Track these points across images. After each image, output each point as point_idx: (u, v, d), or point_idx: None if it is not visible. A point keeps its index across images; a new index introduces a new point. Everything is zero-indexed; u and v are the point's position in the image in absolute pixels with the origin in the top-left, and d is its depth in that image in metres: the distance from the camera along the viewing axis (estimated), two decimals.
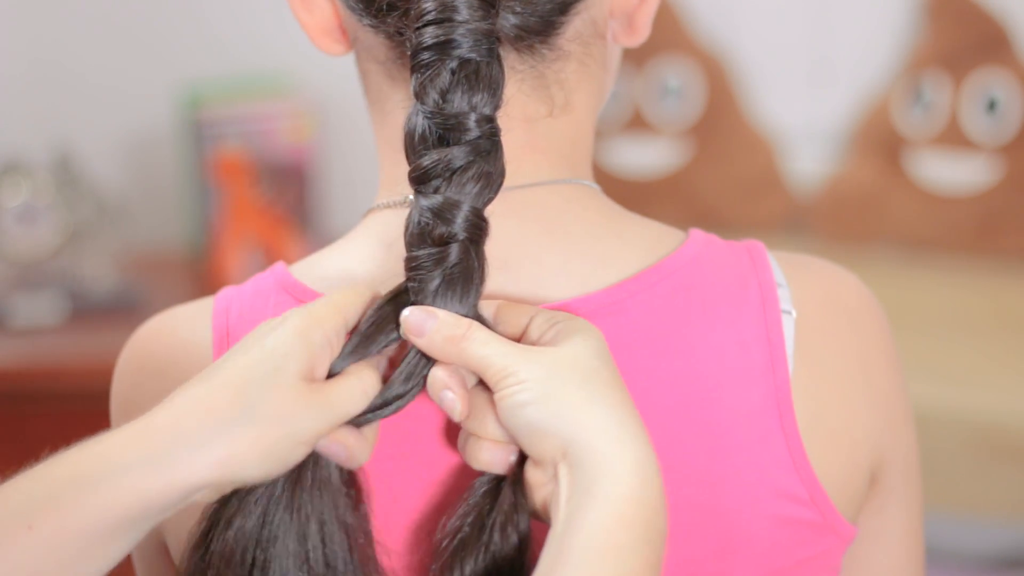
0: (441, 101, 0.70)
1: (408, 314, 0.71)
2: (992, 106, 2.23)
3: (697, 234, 0.80)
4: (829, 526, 0.77)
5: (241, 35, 2.36)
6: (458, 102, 0.70)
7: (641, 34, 0.81)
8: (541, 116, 0.78)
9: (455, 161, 0.70)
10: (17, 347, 2.01)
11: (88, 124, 2.37)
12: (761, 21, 2.38)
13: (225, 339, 0.78)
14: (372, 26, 0.77)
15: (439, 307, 0.71)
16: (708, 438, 0.75)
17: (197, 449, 0.66)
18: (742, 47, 2.38)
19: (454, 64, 0.70)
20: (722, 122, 2.34)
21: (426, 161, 0.71)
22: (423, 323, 0.70)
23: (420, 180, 0.71)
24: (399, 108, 0.78)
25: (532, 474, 0.69)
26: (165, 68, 2.36)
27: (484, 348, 0.69)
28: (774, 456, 0.75)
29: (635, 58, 2.31)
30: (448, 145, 0.71)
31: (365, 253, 0.79)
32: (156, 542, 0.83)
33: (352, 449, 0.71)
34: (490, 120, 0.71)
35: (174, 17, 2.38)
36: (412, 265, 0.71)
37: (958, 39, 2.24)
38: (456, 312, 0.71)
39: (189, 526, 0.77)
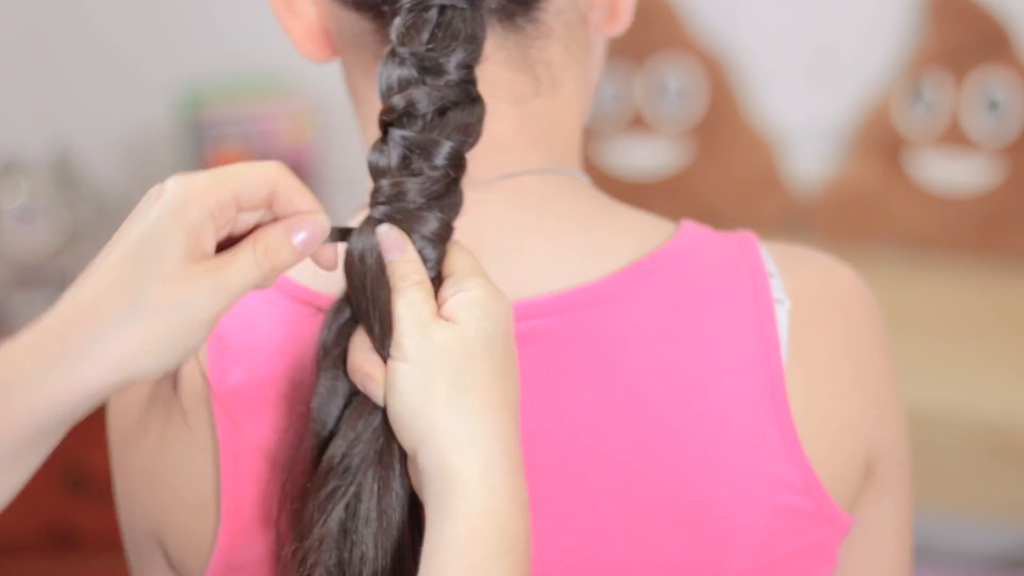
0: (421, 46, 0.70)
1: (387, 229, 0.69)
2: (993, 106, 2.23)
3: (689, 225, 0.80)
4: (824, 515, 0.77)
5: (241, 34, 2.36)
6: (439, 47, 0.70)
7: (623, 21, 0.81)
8: (528, 96, 0.78)
9: (435, 101, 0.70)
10: None
11: (88, 124, 2.37)
12: (761, 21, 2.38)
13: (219, 338, 0.78)
14: (356, 8, 0.76)
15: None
16: (702, 428, 0.75)
17: (88, 355, 0.64)
18: (742, 47, 2.38)
19: (435, 11, 0.71)
20: (722, 122, 2.34)
21: (399, 100, 0.70)
22: (403, 243, 0.69)
23: (398, 115, 0.70)
24: None
25: (409, 464, 0.68)
26: (165, 68, 2.36)
27: (404, 307, 0.68)
28: (768, 445, 0.75)
29: (635, 58, 2.31)
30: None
31: None
32: (155, 550, 0.82)
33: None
34: (468, 67, 0.71)
35: (174, 17, 2.37)
36: (389, 190, 0.70)
37: (959, 38, 2.24)
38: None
39: (193, 538, 0.76)
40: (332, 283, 0.77)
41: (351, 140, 2.39)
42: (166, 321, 0.64)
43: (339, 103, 2.37)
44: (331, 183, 2.36)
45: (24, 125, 2.35)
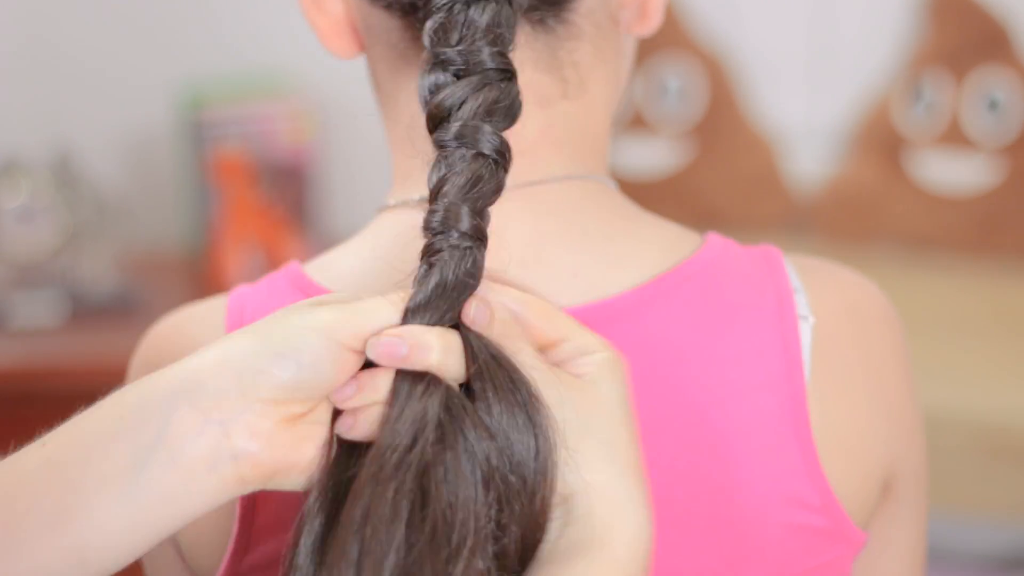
0: (454, 41, 0.69)
1: (475, 307, 0.66)
2: (993, 106, 2.23)
3: (715, 238, 0.79)
4: (841, 533, 0.77)
5: (242, 34, 2.36)
6: (470, 41, 0.68)
7: (654, 20, 0.81)
8: (556, 98, 0.77)
9: (471, 89, 0.68)
10: (16, 348, 2.01)
11: (88, 124, 2.37)
12: (761, 20, 2.38)
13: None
14: (384, 5, 0.76)
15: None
16: (723, 446, 0.74)
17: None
18: (742, 47, 2.38)
19: (460, 6, 0.69)
20: (722, 122, 2.34)
21: (441, 97, 0.68)
22: (486, 315, 0.66)
23: (438, 117, 0.68)
24: (415, 94, 0.77)
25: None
26: (165, 67, 2.36)
27: (529, 369, 0.66)
28: (788, 464, 0.75)
29: (635, 58, 2.31)
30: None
31: (379, 253, 0.78)
32: (169, 546, 0.82)
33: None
34: (504, 55, 0.69)
35: (174, 16, 2.37)
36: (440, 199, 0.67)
37: (959, 38, 2.24)
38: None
39: (207, 536, 0.76)
40: (344, 282, 0.77)
41: (351, 140, 2.40)
42: (266, 321, 0.66)
43: (339, 103, 2.37)
44: (330, 183, 2.36)
45: (24, 125, 2.35)
